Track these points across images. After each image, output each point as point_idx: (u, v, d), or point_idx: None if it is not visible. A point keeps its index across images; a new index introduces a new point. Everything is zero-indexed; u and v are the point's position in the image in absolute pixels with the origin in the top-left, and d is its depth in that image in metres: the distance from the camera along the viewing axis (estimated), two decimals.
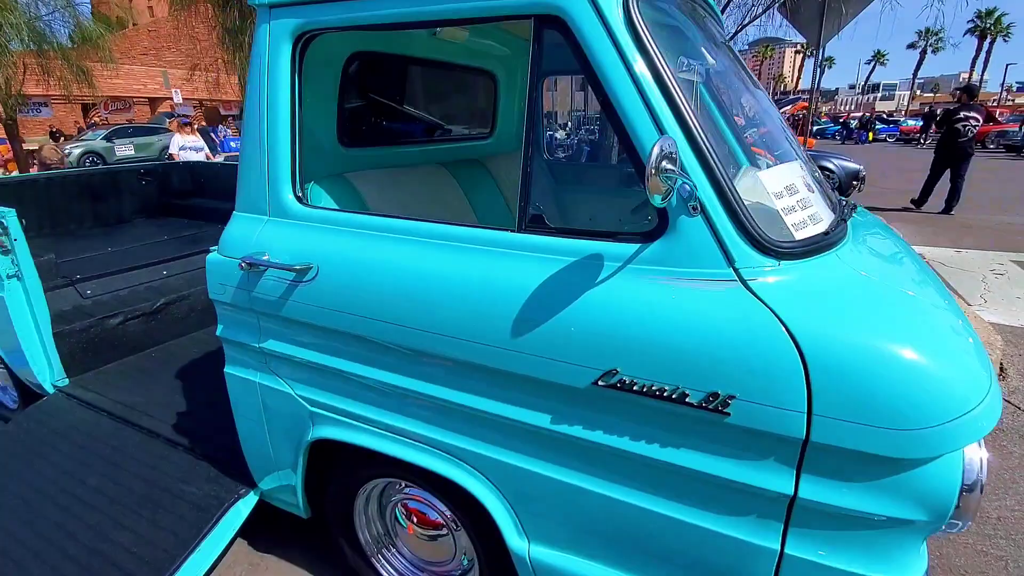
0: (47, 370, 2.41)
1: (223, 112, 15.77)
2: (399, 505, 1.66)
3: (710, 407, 0.98)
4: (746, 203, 1.02)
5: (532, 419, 1.18)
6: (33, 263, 2.28)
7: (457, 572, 1.64)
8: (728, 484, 1.04)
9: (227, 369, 1.61)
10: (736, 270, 1.00)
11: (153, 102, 22.78)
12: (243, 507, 1.79)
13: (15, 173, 9.18)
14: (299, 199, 1.42)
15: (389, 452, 1.40)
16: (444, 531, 1.59)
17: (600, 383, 1.06)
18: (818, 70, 7.26)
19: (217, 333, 1.58)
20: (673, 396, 1.01)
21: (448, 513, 1.52)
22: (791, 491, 0.99)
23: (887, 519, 0.95)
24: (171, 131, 8.05)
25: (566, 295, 1.08)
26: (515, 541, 1.31)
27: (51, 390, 2.42)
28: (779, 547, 1.04)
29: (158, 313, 2.78)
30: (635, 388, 1.03)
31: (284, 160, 1.39)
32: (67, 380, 2.47)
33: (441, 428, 1.33)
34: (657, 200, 0.92)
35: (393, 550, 1.75)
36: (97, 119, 20.19)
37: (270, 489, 1.74)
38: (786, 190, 1.17)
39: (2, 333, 2.32)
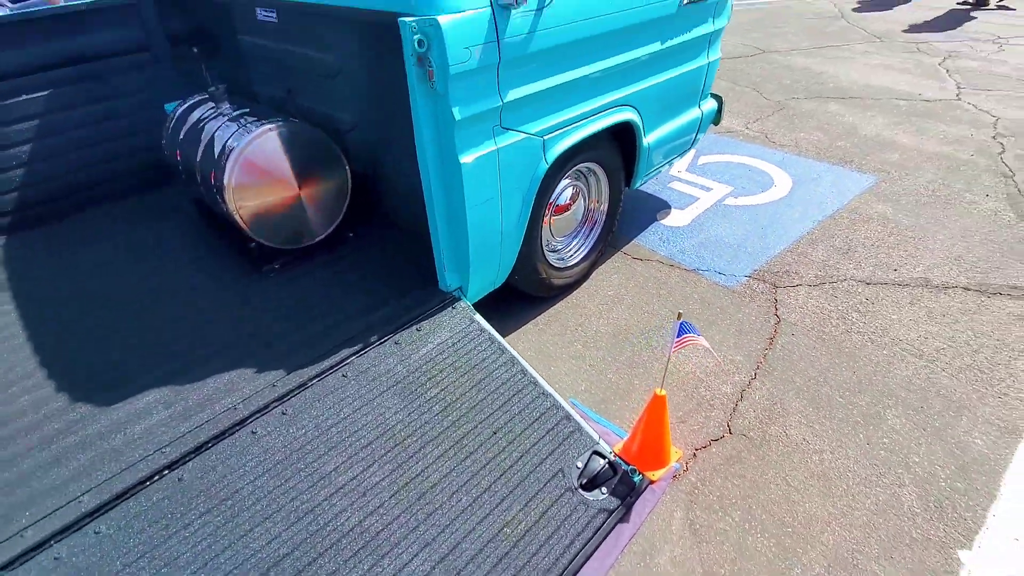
0: None
1: None
2: (549, 219, 2.19)
3: None
4: None
5: (654, 48, 2.08)
6: None
7: (580, 225, 2.41)
8: (709, 35, 2.33)
9: (464, 157, 1.59)
10: None
11: None
12: (476, 314, 1.91)
13: None
14: None
15: (596, 129, 1.97)
16: (574, 203, 2.28)
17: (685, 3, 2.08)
18: None
19: (457, 118, 1.51)
20: None
21: (589, 169, 2.23)
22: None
23: None
24: None
25: None
26: (643, 141, 2.27)
27: None
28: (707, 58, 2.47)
29: None
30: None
31: None
32: None
33: (619, 88, 2.01)
34: None
35: (554, 248, 2.30)
36: None
37: (479, 279, 1.91)
38: None
39: None
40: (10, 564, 1.19)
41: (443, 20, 1.37)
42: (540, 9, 1.57)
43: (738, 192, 3.09)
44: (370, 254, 2.12)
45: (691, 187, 3.17)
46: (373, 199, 2.25)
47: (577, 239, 2.42)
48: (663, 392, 1.58)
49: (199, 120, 2.07)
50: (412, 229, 2.16)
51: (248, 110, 2.03)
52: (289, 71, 2.20)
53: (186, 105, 2.17)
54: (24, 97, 2.34)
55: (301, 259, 2.08)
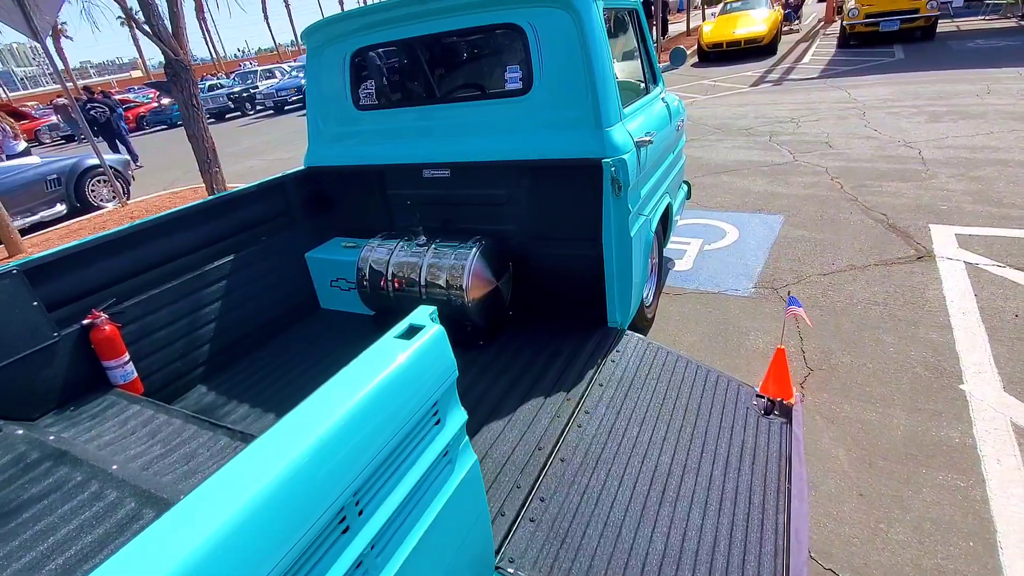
0: None
1: None
2: None
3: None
4: None
5: (671, 155, 3.31)
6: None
7: (650, 275, 3.45)
8: (682, 143, 3.66)
9: (632, 233, 2.59)
10: None
11: None
12: (640, 335, 2.83)
13: None
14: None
15: (662, 209, 3.08)
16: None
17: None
18: None
19: (631, 210, 2.53)
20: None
21: None
22: None
23: None
24: None
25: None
26: (673, 214, 3.43)
27: None
28: None
29: None
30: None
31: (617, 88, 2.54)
32: None
33: (664, 182, 3.17)
34: None
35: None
36: None
37: (631, 314, 2.81)
38: None
39: None
40: (506, 536, 1.76)
41: (625, 157, 2.40)
42: (649, 144, 2.68)
43: (708, 241, 4.39)
44: (536, 318, 2.91)
45: (677, 244, 4.41)
46: (523, 281, 3.05)
47: (648, 284, 3.43)
48: (783, 346, 2.57)
49: (398, 250, 2.80)
50: (564, 293, 2.98)
51: (438, 239, 2.82)
52: (448, 206, 3.02)
53: (374, 245, 2.89)
54: (214, 264, 2.86)
55: (492, 332, 2.81)
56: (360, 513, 1.02)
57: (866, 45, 13.37)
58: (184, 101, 4.85)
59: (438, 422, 1.24)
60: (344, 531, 0.98)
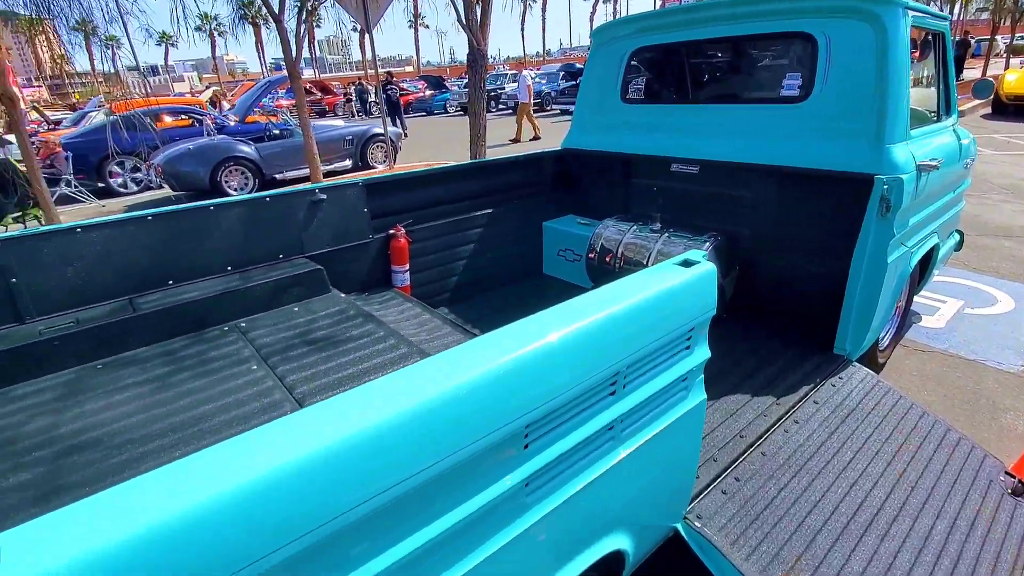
0: None
1: None
2: None
3: None
4: None
5: (950, 195, 2.96)
6: None
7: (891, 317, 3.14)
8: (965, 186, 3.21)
9: (890, 259, 2.41)
10: None
11: None
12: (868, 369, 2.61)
13: None
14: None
15: (926, 249, 2.79)
16: None
17: None
18: None
19: (895, 235, 2.36)
20: None
21: None
22: None
23: None
24: None
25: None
26: (936, 258, 3.06)
27: None
28: None
29: None
30: None
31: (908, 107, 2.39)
32: None
33: (933, 223, 2.85)
34: None
35: None
36: None
37: (864, 346, 2.61)
38: None
39: None
40: (697, 495, 1.86)
41: (904, 177, 2.28)
42: (934, 169, 2.48)
43: (972, 305, 3.80)
44: (754, 323, 2.89)
45: (928, 300, 3.90)
46: (748, 284, 3.06)
47: (889, 325, 3.14)
48: None
49: (630, 232, 3.04)
50: (790, 306, 2.91)
51: (671, 229, 2.99)
52: (687, 200, 3.18)
53: (609, 226, 3.17)
54: (476, 213, 3.42)
55: None
56: (624, 386, 1.25)
57: None
58: (475, 84, 5.79)
59: (688, 347, 1.42)
60: (611, 393, 1.22)
